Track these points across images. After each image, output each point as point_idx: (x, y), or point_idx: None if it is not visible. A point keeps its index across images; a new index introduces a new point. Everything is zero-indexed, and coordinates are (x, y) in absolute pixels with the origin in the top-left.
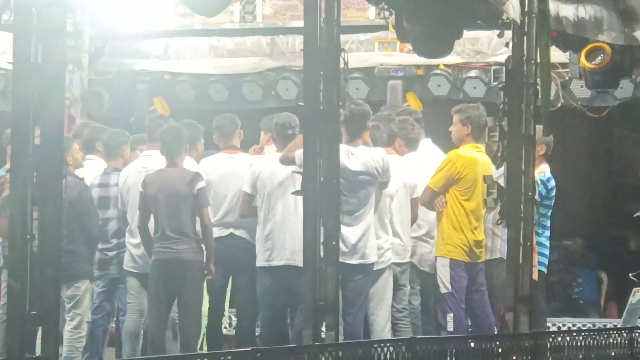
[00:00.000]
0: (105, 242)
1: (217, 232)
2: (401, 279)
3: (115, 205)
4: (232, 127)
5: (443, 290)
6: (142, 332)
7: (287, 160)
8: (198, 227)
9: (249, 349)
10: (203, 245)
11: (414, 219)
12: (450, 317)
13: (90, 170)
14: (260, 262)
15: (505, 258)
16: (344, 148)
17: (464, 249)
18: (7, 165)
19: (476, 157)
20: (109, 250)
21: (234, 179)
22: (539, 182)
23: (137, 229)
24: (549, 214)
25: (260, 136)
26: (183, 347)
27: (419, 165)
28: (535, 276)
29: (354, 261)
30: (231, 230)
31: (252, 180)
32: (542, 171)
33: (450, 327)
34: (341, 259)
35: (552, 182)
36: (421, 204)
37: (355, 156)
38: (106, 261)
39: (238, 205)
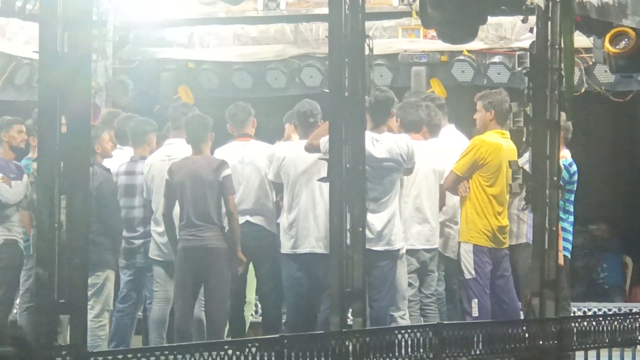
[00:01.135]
0: (131, 230)
1: None
2: (430, 265)
3: (141, 194)
4: (245, 115)
5: (467, 276)
6: (168, 319)
7: (312, 148)
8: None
9: (277, 335)
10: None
11: (441, 205)
12: (475, 302)
13: (120, 160)
14: (284, 250)
15: (531, 243)
16: (368, 135)
17: (488, 234)
18: (30, 155)
19: (501, 143)
20: (135, 239)
21: (248, 166)
22: (562, 167)
23: (162, 217)
24: (572, 198)
25: (285, 128)
26: (210, 335)
27: (440, 150)
28: (561, 261)
29: (379, 248)
30: (247, 217)
31: (275, 167)
32: (563, 156)
33: (475, 312)
34: (367, 246)
35: (574, 167)
36: (445, 189)
37: (380, 143)
38: (132, 250)
39: (253, 193)
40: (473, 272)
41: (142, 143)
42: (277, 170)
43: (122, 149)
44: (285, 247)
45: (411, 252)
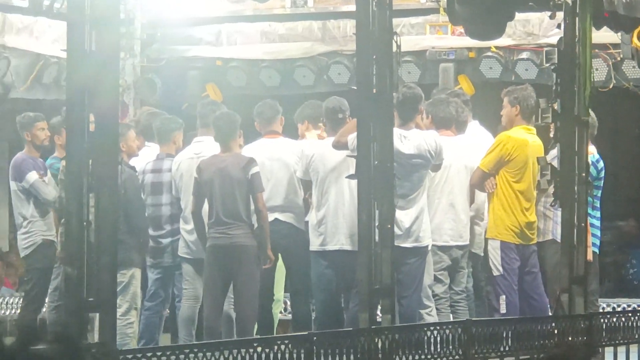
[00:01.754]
0: (159, 228)
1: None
2: (461, 262)
3: (168, 191)
4: (272, 112)
5: (495, 272)
6: (197, 317)
7: (340, 145)
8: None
9: (306, 333)
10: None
11: (470, 202)
12: (502, 299)
13: (147, 157)
14: (313, 247)
15: (557, 240)
16: (396, 132)
17: (515, 231)
18: (56, 154)
19: (527, 138)
20: (163, 237)
21: (276, 163)
22: (590, 163)
23: (191, 215)
24: (599, 195)
25: (298, 128)
26: (239, 333)
27: (470, 147)
28: (590, 257)
29: (408, 244)
30: (276, 215)
31: (304, 164)
32: (590, 152)
33: (503, 309)
34: (395, 243)
35: (602, 163)
36: (471, 185)
37: (408, 139)
38: (160, 249)
39: (281, 190)
40: (501, 268)
41: (168, 141)
42: (306, 167)
43: (150, 146)
44: (314, 244)
45: (444, 249)
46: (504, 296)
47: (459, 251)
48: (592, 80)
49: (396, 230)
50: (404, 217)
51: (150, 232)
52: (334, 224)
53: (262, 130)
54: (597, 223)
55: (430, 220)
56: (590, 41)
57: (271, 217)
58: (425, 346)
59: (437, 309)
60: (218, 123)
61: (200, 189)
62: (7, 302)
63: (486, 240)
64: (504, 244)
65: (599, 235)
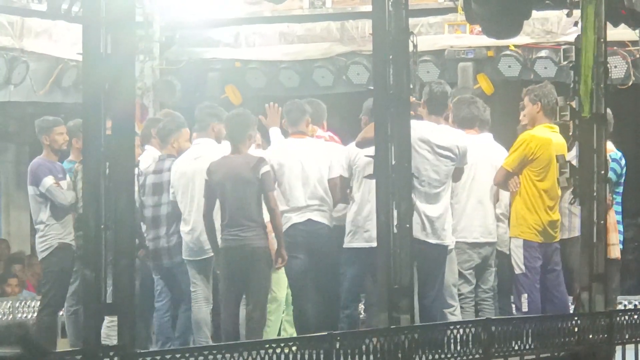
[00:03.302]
0: (158, 228)
1: (294, 218)
2: (490, 259)
3: (167, 191)
4: (299, 113)
5: (517, 270)
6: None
7: (365, 142)
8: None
9: (326, 333)
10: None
11: (495, 201)
12: (524, 297)
13: (146, 159)
14: (355, 244)
15: None
16: (427, 124)
17: (538, 229)
18: (71, 157)
19: (550, 137)
20: (160, 238)
21: (307, 163)
22: (610, 159)
23: (202, 217)
24: (620, 191)
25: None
26: (250, 334)
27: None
28: (618, 254)
29: (432, 240)
30: (307, 215)
31: (348, 162)
32: (610, 149)
33: (524, 307)
34: (420, 237)
35: (624, 161)
36: (495, 184)
37: (440, 131)
38: (159, 249)
39: (313, 189)
40: (523, 267)
41: (167, 144)
42: (349, 165)
43: (147, 149)
44: (359, 240)
45: (474, 246)
46: (525, 295)
47: (488, 248)
48: (610, 77)
49: (420, 223)
50: (430, 211)
51: (151, 234)
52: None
53: (290, 129)
54: (619, 219)
55: (459, 217)
56: (605, 38)
57: (303, 217)
58: (446, 345)
59: (462, 307)
60: (229, 123)
61: (211, 191)
62: (28, 305)
63: (510, 238)
64: (526, 242)
65: (622, 231)
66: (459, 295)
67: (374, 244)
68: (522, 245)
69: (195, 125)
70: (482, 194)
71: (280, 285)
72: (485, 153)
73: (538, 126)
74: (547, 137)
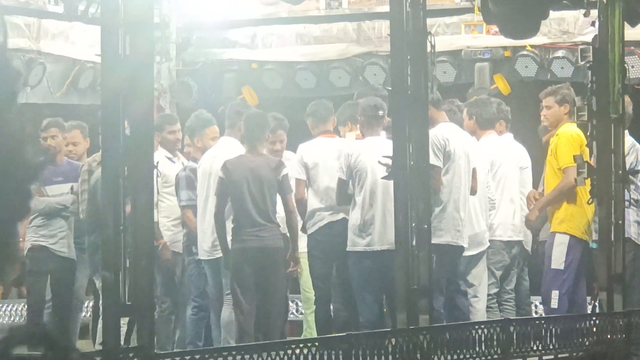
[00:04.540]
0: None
1: (327, 217)
2: (517, 259)
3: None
4: (326, 112)
5: (554, 265)
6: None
7: None
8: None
9: (344, 334)
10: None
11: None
12: (555, 294)
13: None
14: (358, 247)
15: (632, 238)
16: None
17: (585, 228)
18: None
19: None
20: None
21: (338, 163)
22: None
23: (214, 216)
24: None
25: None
26: (268, 335)
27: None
28: None
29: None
30: (342, 214)
31: (347, 165)
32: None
33: (554, 304)
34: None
35: None
36: (573, 185)
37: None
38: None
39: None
40: (563, 263)
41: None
42: (349, 168)
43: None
44: (359, 244)
45: (508, 245)
46: (557, 291)
47: (517, 248)
48: (628, 77)
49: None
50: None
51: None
52: (382, 224)
53: (316, 129)
54: None
55: (494, 216)
56: (622, 38)
57: (338, 216)
58: (464, 346)
59: (490, 307)
60: (248, 123)
61: (225, 189)
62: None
63: (553, 234)
64: (572, 239)
65: None
66: (487, 295)
67: (377, 248)
68: (568, 242)
69: (225, 123)
70: (512, 193)
71: (310, 284)
72: (511, 153)
73: (569, 124)
74: (581, 134)
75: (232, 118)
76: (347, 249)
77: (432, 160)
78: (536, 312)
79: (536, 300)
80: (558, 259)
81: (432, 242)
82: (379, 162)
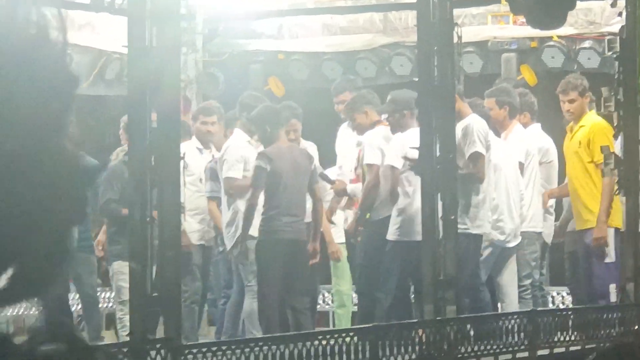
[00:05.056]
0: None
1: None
2: (543, 250)
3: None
4: (378, 101)
5: (608, 260)
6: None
7: None
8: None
9: (371, 325)
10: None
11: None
12: (613, 287)
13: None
14: (395, 237)
15: None
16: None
17: (621, 218)
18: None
19: None
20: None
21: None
22: None
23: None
24: None
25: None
26: (299, 326)
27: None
28: None
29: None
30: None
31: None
32: None
33: (614, 297)
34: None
35: None
36: (604, 175)
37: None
38: None
39: None
40: (613, 255)
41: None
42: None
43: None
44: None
45: (538, 235)
46: (614, 284)
47: (542, 238)
48: None
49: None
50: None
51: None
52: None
53: (373, 118)
54: None
55: (527, 207)
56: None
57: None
58: (491, 336)
59: (523, 298)
60: (265, 114)
61: (262, 178)
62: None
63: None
64: (617, 230)
65: None
66: (522, 287)
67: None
68: (614, 234)
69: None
70: (538, 186)
71: (344, 278)
72: (538, 144)
73: (592, 114)
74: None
75: (244, 109)
76: (392, 238)
77: (479, 148)
78: (563, 303)
79: (559, 291)
80: (610, 252)
81: (472, 232)
82: (403, 156)
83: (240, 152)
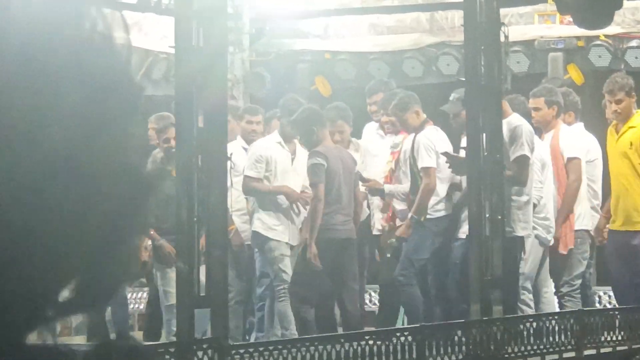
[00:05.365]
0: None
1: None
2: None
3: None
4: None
5: None
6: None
7: None
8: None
9: (417, 325)
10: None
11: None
12: None
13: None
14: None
15: None
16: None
17: None
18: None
19: None
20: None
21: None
22: None
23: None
24: None
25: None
26: (351, 326)
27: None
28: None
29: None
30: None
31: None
32: None
33: None
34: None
35: None
36: None
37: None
38: None
39: None
40: None
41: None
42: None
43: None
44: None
45: (589, 234)
46: None
47: (591, 238)
48: None
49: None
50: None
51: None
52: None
53: (422, 118)
54: None
55: (577, 205)
56: None
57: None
58: (538, 336)
59: (574, 298)
60: (312, 116)
61: (322, 174)
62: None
63: None
64: None
65: None
66: (572, 286)
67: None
68: None
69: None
70: (585, 183)
71: None
72: (583, 143)
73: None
74: None
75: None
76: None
77: (526, 151)
78: (610, 303)
79: (605, 290)
80: None
81: (519, 234)
82: (442, 153)
83: (262, 152)
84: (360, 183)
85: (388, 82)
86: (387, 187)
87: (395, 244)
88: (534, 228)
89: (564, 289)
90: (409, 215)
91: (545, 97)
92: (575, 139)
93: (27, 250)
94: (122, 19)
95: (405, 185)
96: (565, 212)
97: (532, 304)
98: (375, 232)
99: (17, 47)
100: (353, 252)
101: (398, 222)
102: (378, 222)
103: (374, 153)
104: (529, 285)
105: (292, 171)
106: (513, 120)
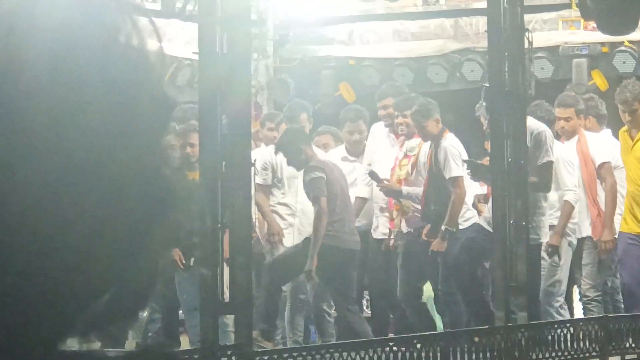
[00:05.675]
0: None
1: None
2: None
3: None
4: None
5: None
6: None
7: None
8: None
9: (441, 331)
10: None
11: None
12: None
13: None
14: None
15: None
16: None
17: None
18: None
19: None
20: None
21: None
22: None
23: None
24: None
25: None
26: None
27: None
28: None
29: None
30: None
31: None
32: None
33: None
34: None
35: None
36: None
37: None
38: None
39: None
40: None
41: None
42: None
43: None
44: None
45: (615, 240)
46: None
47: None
48: None
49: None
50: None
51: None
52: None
53: (440, 127)
54: None
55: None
56: None
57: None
58: (562, 343)
59: (600, 303)
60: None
61: (323, 187)
62: None
63: None
64: None
65: None
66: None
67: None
68: None
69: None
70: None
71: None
72: (612, 148)
73: None
74: None
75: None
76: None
77: (551, 157)
78: None
79: None
80: None
81: (543, 241)
82: (464, 160)
83: (266, 159)
84: (375, 183)
85: (399, 87)
86: (405, 189)
87: (402, 249)
88: (567, 235)
89: (590, 294)
90: (443, 227)
91: (575, 107)
92: (603, 144)
93: (58, 261)
94: (154, 27)
95: (420, 189)
96: (611, 215)
97: (566, 311)
98: (377, 236)
99: (51, 58)
100: (356, 263)
101: (404, 226)
102: (382, 226)
103: (381, 157)
104: (563, 291)
105: (300, 176)
106: (533, 125)
